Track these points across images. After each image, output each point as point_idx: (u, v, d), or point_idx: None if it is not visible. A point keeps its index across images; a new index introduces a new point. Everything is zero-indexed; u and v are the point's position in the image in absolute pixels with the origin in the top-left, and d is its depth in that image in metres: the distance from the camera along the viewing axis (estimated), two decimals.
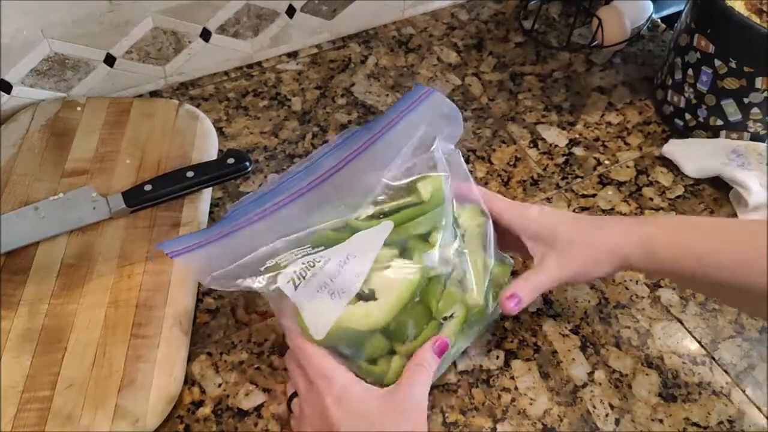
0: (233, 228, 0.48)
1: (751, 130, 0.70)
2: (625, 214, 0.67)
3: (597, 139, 0.74)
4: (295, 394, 0.49)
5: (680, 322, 0.60)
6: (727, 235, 0.48)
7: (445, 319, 0.49)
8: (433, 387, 0.52)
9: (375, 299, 0.47)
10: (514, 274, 0.56)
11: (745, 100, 0.67)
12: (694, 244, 0.48)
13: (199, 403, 0.52)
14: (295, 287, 0.46)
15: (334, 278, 0.47)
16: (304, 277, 0.46)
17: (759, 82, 0.65)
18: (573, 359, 0.56)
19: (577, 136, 0.75)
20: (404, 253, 0.49)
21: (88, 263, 0.57)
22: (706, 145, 0.71)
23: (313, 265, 0.47)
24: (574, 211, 0.65)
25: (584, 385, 0.55)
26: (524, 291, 0.50)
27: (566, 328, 0.58)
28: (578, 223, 0.51)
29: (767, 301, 0.45)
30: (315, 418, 0.45)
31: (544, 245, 0.51)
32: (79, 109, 0.68)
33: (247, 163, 0.62)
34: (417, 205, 0.51)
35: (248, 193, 0.65)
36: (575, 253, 0.50)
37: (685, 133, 0.74)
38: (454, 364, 0.55)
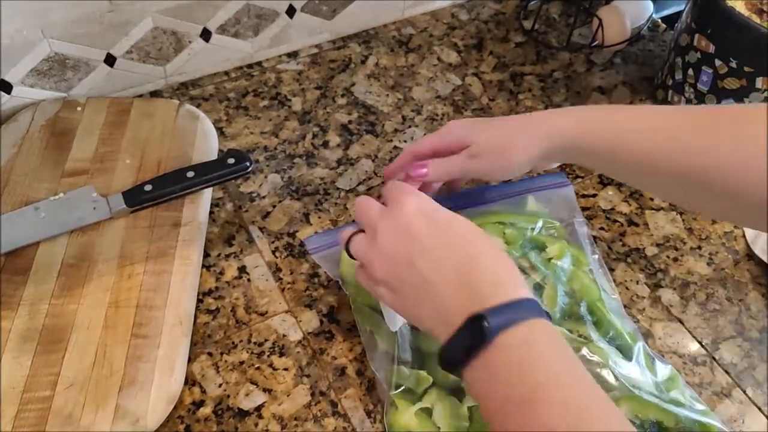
0: None
1: None
2: (625, 214, 0.67)
3: None
4: (353, 236, 0.47)
5: (681, 322, 0.60)
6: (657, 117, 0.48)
7: None
8: None
9: None
10: None
11: (746, 100, 0.67)
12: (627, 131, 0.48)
13: (199, 404, 0.52)
14: None
15: None
16: None
17: (759, 82, 0.65)
18: None
19: None
20: None
21: (89, 263, 0.56)
22: None
23: None
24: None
25: None
26: (432, 164, 0.54)
27: None
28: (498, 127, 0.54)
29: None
30: (391, 236, 0.43)
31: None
32: (79, 109, 0.68)
33: (248, 163, 0.62)
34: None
35: (250, 193, 0.66)
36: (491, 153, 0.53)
37: None
38: None
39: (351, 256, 0.47)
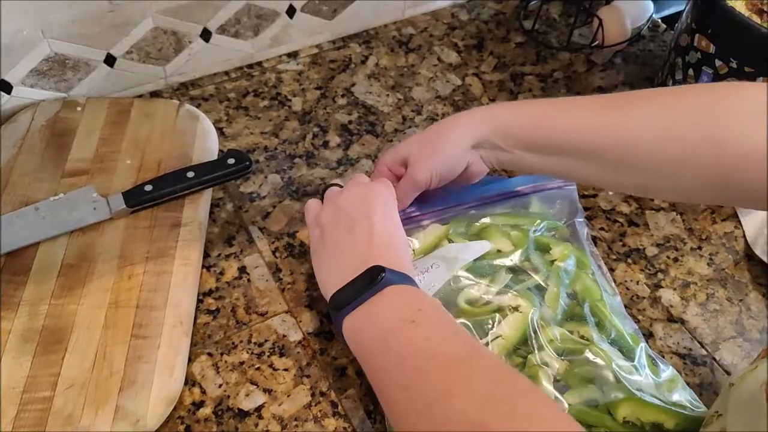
0: None
1: None
2: (625, 215, 0.67)
3: None
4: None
5: (681, 322, 0.60)
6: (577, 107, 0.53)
7: None
8: None
9: None
10: None
11: None
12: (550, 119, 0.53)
13: (199, 404, 0.52)
14: None
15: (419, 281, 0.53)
16: None
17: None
18: None
19: None
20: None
21: (89, 263, 0.56)
22: None
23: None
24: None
25: None
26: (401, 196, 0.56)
27: None
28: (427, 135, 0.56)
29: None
30: (352, 197, 0.52)
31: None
32: (79, 109, 0.68)
33: (248, 164, 0.62)
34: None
35: (250, 193, 0.66)
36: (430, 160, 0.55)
37: None
38: None
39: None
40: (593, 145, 0.51)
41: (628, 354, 0.53)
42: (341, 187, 0.55)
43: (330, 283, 0.49)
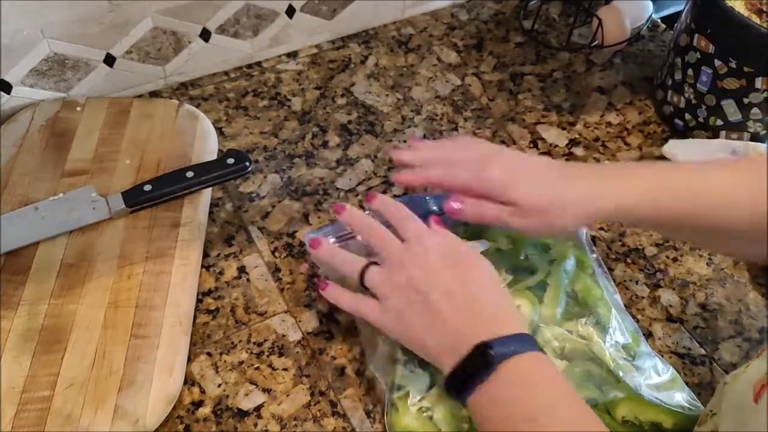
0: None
1: (751, 131, 0.70)
2: None
3: (597, 139, 0.74)
4: (367, 268, 0.49)
5: (680, 322, 0.60)
6: (705, 181, 0.49)
7: None
8: None
9: None
10: None
11: (745, 101, 0.67)
12: (671, 200, 0.49)
13: (198, 404, 0.52)
14: None
15: None
16: None
17: (759, 82, 0.65)
18: None
19: (577, 136, 0.75)
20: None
21: (88, 263, 0.56)
22: (706, 146, 0.71)
23: None
24: None
25: None
26: (468, 204, 0.51)
27: None
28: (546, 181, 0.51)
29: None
30: (412, 272, 0.47)
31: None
32: (78, 109, 0.68)
33: (247, 163, 0.62)
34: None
35: (249, 193, 0.66)
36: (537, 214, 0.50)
37: (685, 133, 0.74)
38: None
39: (364, 286, 0.49)
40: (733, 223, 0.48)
41: (627, 353, 0.53)
42: (363, 209, 0.53)
43: (436, 354, 0.46)
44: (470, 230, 0.59)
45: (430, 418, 0.49)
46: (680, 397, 0.51)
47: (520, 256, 0.57)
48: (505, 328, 0.44)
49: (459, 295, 0.46)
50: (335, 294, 0.51)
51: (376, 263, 0.49)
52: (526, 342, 0.44)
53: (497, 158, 0.51)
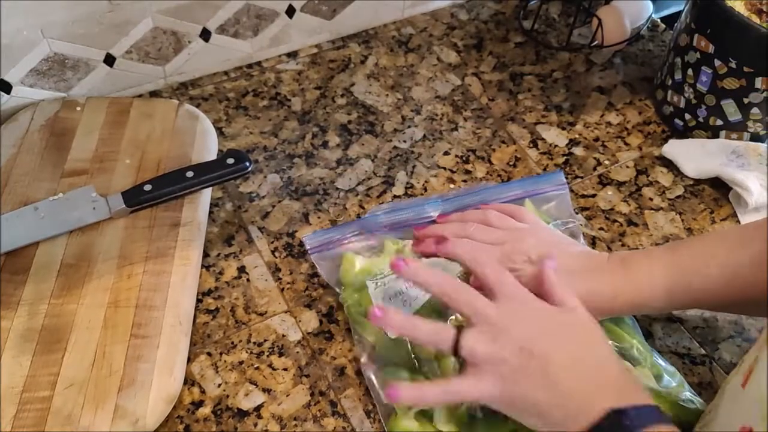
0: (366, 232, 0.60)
1: (751, 131, 0.70)
2: (625, 215, 0.67)
3: (597, 139, 0.74)
4: (460, 335, 0.44)
5: (680, 322, 0.60)
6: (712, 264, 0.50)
7: None
8: None
9: None
10: None
11: (745, 101, 0.67)
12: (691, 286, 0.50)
13: (198, 404, 0.52)
14: (375, 286, 0.55)
15: (407, 288, 0.55)
16: (385, 284, 0.55)
17: (759, 82, 0.65)
18: None
19: (577, 136, 0.75)
20: None
21: (88, 263, 0.56)
22: (706, 146, 0.71)
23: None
24: (574, 210, 0.65)
25: None
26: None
27: None
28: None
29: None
30: (522, 329, 0.43)
31: None
32: (78, 109, 0.68)
33: (247, 163, 0.62)
34: None
35: (249, 193, 0.66)
36: None
37: (684, 133, 0.74)
38: None
39: (457, 356, 0.44)
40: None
41: (626, 353, 0.53)
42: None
43: (560, 417, 0.42)
44: None
45: (430, 419, 0.49)
46: (682, 395, 0.51)
47: None
48: (633, 397, 0.42)
49: (578, 356, 0.43)
50: (415, 393, 0.44)
51: (461, 326, 0.45)
52: (658, 414, 0.41)
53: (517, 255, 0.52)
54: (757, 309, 0.50)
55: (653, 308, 0.52)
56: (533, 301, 0.46)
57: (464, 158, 0.71)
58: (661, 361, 0.53)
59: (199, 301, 0.58)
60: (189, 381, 0.53)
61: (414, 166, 0.70)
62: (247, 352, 0.55)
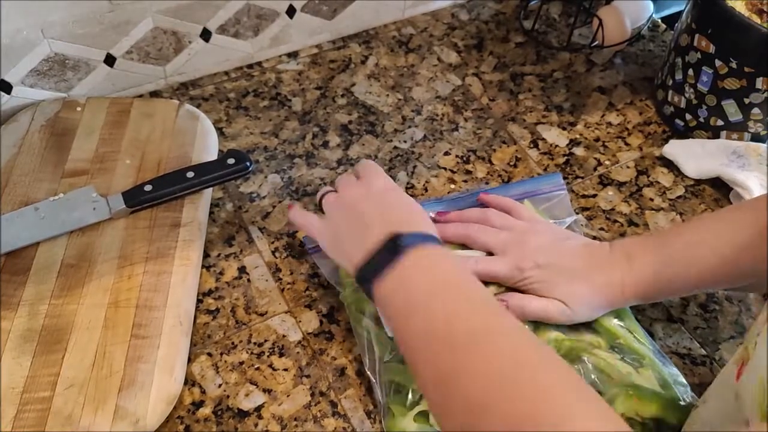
0: None
1: (752, 131, 0.70)
2: (625, 215, 0.67)
3: (597, 140, 0.74)
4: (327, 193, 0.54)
5: (681, 322, 0.60)
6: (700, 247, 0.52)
7: None
8: None
9: None
10: None
11: (746, 101, 0.67)
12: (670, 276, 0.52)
13: (199, 404, 0.52)
14: None
15: None
16: None
17: (760, 83, 0.65)
18: None
19: (578, 136, 0.75)
20: None
21: (88, 263, 0.56)
22: (707, 146, 0.71)
23: None
24: (575, 210, 0.65)
25: None
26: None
27: None
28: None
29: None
30: (353, 191, 0.51)
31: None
32: (79, 109, 0.68)
33: (248, 164, 0.62)
34: None
35: (249, 193, 0.66)
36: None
37: (685, 133, 0.74)
38: None
39: (321, 209, 0.54)
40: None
41: (627, 352, 0.53)
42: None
43: (355, 253, 0.48)
44: None
45: (427, 419, 0.49)
46: (683, 395, 0.51)
47: None
48: (413, 226, 0.47)
49: (382, 207, 0.49)
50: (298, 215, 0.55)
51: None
52: (432, 239, 0.47)
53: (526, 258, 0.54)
54: (759, 286, 0.53)
55: (656, 299, 0.56)
56: (381, 181, 0.53)
57: (465, 158, 0.71)
58: (663, 367, 0.53)
59: (199, 301, 0.58)
60: (189, 381, 0.53)
61: (414, 167, 0.70)
62: (247, 352, 0.55)
